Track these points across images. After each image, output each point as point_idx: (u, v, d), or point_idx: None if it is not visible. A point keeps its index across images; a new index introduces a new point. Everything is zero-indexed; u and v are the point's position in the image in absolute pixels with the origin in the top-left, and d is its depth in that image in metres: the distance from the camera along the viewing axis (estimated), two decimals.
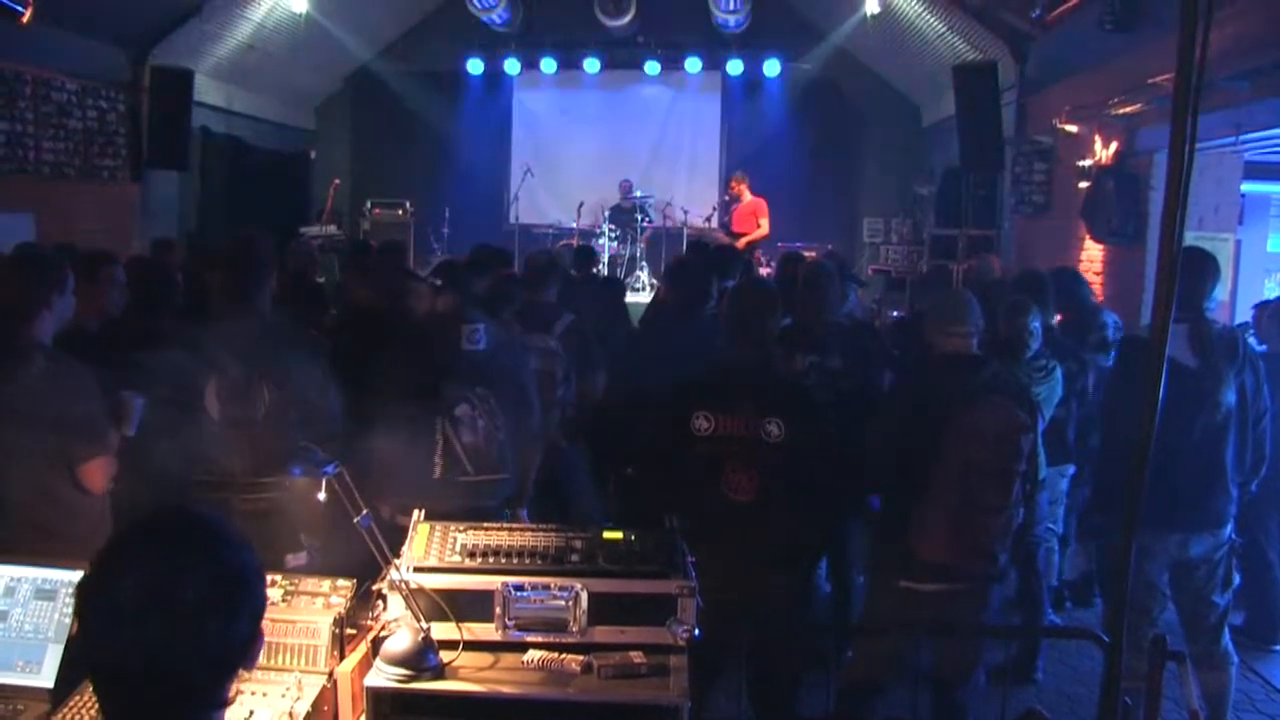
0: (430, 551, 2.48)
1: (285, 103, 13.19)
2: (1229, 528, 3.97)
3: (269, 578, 2.16)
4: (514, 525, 2.77)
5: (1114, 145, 7.53)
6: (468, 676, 2.30)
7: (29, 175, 8.12)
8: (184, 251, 8.27)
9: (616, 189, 12.80)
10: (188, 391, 3.36)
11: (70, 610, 2.31)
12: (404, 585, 2.33)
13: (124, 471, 3.12)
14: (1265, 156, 7.50)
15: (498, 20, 12.36)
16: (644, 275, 11.99)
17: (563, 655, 2.34)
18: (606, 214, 12.47)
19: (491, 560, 2.45)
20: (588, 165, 13.68)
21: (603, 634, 2.39)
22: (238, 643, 1.33)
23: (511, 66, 13.26)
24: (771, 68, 12.92)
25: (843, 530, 4.54)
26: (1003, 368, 3.79)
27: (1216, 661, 4.01)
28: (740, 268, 6.70)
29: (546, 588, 2.39)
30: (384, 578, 2.36)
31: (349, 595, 2.44)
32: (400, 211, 12.60)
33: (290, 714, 2.15)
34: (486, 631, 2.39)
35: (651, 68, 13.22)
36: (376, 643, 2.37)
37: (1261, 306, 5.65)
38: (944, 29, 10.27)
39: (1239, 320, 7.08)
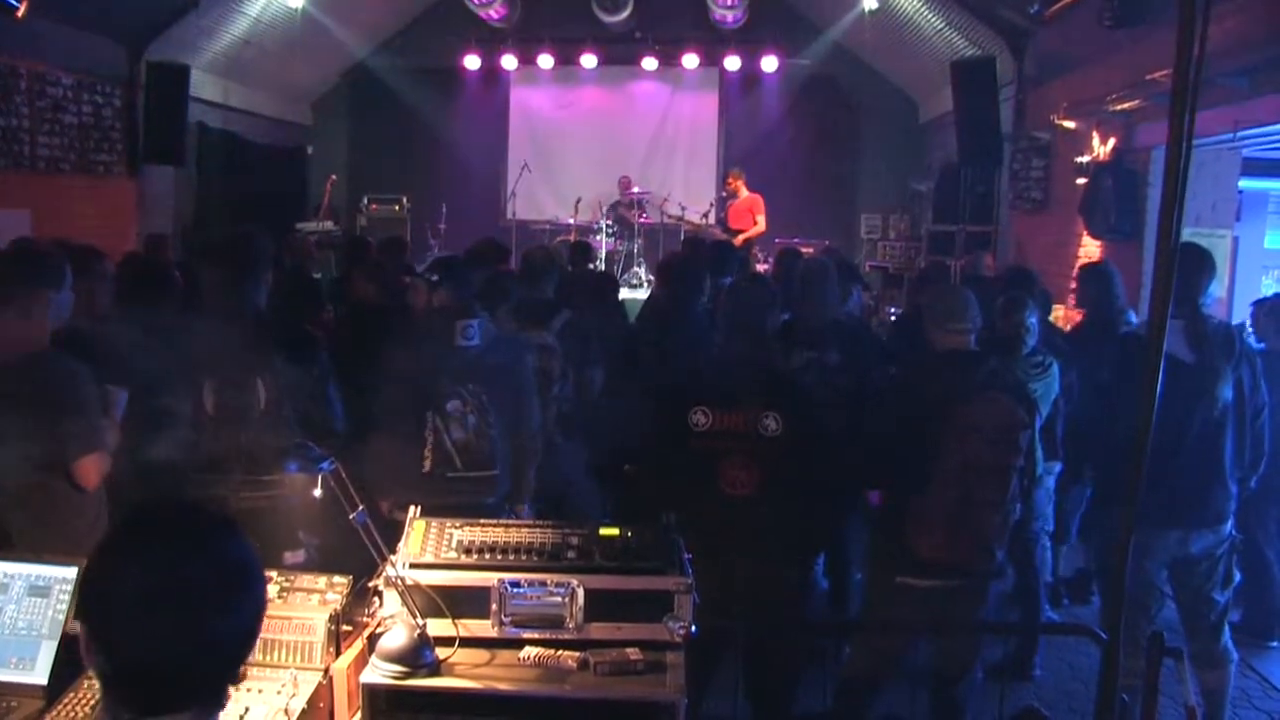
0: (426, 548, 2.48)
1: (282, 98, 13.15)
2: (1229, 524, 3.96)
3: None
4: (510, 521, 2.76)
5: (1112, 141, 7.52)
6: (464, 673, 2.30)
7: (25, 170, 8.09)
8: (179, 247, 8.24)
9: (614, 185, 12.76)
10: (184, 388, 3.35)
11: (64, 607, 2.31)
12: (400, 581, 2.32)
13: (120, 469, 3.10)
14: (1263, 153, 7.49)
15: (495, 16, 12.33)
16: (641, 271, 11.97)
17: (559, 652, 2.34)
18: (605, 210, 12.44)
19: (488, 556, 2.45)
20: (585, 161, 13.63)
21: (599, 630, 2.39)
22: (241, 637, 1.32)
23: (509, 62, 13.22)
24: (769, 63, 12.88)
25: (841, 526, 4.54)
26: (1001, 364, 3.79)
27: (1216, 659, 4.01)
28: (735, 264, 6.69)
29: (543, 584, 2.39)
30: (380, 574, 2.35)
31: (345, 592, 2.43)
32: (397, 207, 12.57)
33: (286, 711, 2.15)
34: (483, 628, 2.38)
35: (649, 64, 13.18)
36: (372, 639, 2.37)
37: (1259, 304, 5.64)
38: (942, 24, 10.27)
39: (1237, 318, 7.08)
